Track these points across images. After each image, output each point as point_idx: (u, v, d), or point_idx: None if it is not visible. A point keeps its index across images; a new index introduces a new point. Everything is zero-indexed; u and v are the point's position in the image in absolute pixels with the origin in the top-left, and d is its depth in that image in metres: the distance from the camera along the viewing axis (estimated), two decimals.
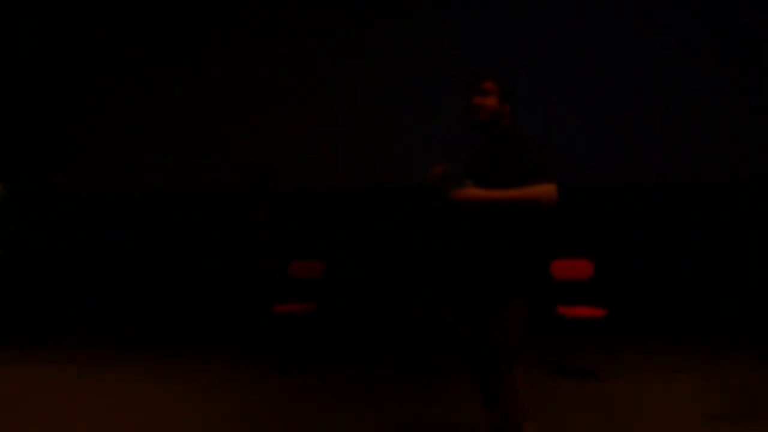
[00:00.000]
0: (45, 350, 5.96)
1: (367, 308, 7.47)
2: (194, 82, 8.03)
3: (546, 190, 2.68)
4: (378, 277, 7.46)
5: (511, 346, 2.81)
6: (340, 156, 7.57)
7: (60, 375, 5.09)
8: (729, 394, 4.23)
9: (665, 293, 6.86)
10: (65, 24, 8.30)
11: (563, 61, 7.15)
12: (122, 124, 8.32)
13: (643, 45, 7.14)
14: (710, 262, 6.85)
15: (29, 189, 8.09)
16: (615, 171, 7.10)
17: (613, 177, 7.08)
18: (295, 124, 7.66)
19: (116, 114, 8.36)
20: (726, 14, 6.97)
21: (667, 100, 7.01)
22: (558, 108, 7.10)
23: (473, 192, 2.75)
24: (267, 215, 5.74)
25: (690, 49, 7.01)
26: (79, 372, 5.19)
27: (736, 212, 6.92)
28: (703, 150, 6.93)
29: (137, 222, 8.12)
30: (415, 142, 7.30)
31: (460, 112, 2.94)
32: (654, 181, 7.05)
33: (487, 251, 2.88)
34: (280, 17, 7.90)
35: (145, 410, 4.22)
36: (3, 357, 5.73)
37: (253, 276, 5.70)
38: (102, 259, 8.05)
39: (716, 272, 6.81)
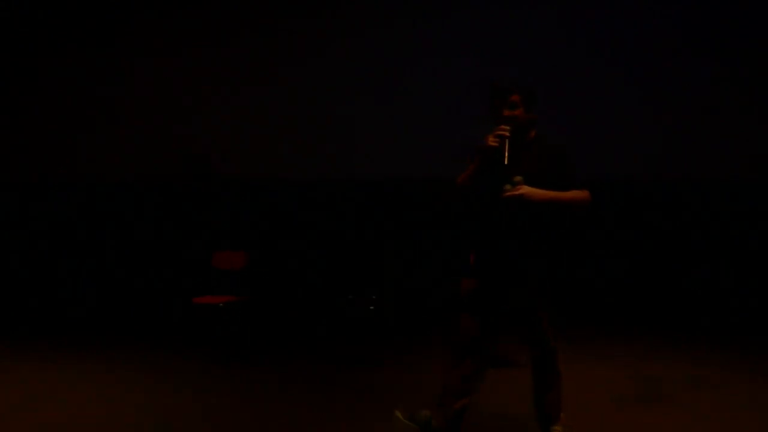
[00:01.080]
0: None
1: (289, 299, 7.43)
2: (130, 69, 7.70)
3: (585, 196, 2.99)
4: (301, 268, 7.43)
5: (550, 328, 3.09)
6: (267, 148, 7.48)
7: None
8: (637, 381, 4.44)
9: (585, 285, 7.11)
10: None
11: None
12: (50, 112, 7.92)
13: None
14: (628, 254, 7.14)
15: None
16: None
17: None
18: (228, 116, 7.46)
19: (45, 101, 7.94)
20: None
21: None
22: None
23: (533, 189, 2.91)
24: (192, 205, 5.61)
25: (637, 44, 7.16)
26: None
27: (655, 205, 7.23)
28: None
29: (61, 212, 7.74)
30: (342, 137, 7.30)
31: (492, 123, 3.04)
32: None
33: (525, 262, 3.04)
34: (222, 5, 7.65)
35: (72, 403, 4.08)
36: None
37: (176, 267, 5.56)
38: (26, 249, 7.64)
39: (626, 263, 7.12)
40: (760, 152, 6.86)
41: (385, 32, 7.29)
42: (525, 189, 2.91)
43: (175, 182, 6.82)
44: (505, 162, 2.92)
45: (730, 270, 6.84)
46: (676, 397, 4.12)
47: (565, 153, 3.06)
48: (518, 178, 2.93)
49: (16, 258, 7.56)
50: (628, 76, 7.18)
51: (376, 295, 5.54)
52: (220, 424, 3.75)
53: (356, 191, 7.34)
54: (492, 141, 2.97)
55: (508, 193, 2.91)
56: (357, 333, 5.90)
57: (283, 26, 7.50)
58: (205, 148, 6.62)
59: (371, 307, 5.26)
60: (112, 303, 7.22)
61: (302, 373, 4.78)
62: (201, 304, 5.19)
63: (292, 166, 7.45)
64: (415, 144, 7.09)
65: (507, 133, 2.96)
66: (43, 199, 7.69)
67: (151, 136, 7.60)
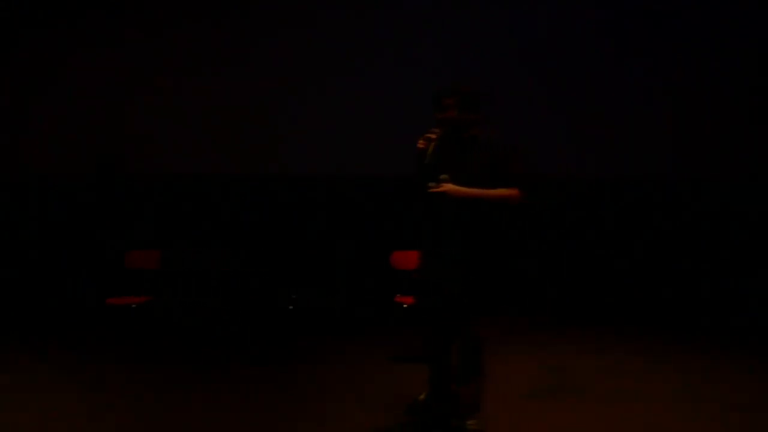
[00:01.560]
0: None
1: (205, 298, 7.31)
2: (41, 66, 7.35)
3: (513, 194, 3.11)
4: (217, 267, 7.33)
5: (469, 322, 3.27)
6: (183, 143, 7.33)
7: None
8: (546, 373, 4.63)
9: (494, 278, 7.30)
10: None
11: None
12: None
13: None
14: (532, 251, 7.39)
15: None
16: None
17: None
18: (144, 113, 7.25)
19: None
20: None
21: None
22: None
23: (455, 187, 3.07)
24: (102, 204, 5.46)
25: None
26: None
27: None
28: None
29: None
30: (261, 132, 7.24)
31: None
32: None
33: (460, 241, 3.17)
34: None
35: None
36: None
37: (89, 266, 5.39)
38: None
39: (536, 258, 7.35)
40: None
41: (314, 29, 7.29)
42: (446, 186, 3.07)
43: (91, 181, 6.56)
44: (425, 161, 3.11)
45: (639, 261, 7.17)
46: (583, 387, 4.30)
47: (503, 152, 3.17)
48: (444, 176, 3.08)
49: None
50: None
51: (296, 294, 5.53)
52: (134, 426, 3.67)
53: (278, 187, 7.31)
54: (420, 143, 3.16)
55: (432, 190, 3.07)
56: (276, 331, 5.88)
57: (209, 23, 7.36)
58: (126, 147, 6.40)
59: (290, 307, 5.26)
60: (21, 304, 6.91)
61: (219, 372, 4.73)
62: (115, 305, 5.06)
63: (213, 162, 7.34)
64: (337, 141, 7.13)
65: (433, 136, 3.14)
66: None
67: (65, 134, 7.33)
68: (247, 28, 7.34)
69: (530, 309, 6.81)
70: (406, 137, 3.61)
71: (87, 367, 4.80)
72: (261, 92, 7.15)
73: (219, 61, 7.28)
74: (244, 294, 6.64)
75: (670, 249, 7.14)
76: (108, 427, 3.67)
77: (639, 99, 7.29)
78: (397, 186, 3.56)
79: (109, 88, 7.23)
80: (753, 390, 4.30)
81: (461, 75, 6.83)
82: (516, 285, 6.93)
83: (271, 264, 6.81)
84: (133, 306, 5.01)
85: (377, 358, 4.95)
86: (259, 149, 7.24)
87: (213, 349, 5.39)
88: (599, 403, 4.01)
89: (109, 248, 5.68)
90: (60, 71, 7.25)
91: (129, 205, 6.86)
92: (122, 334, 5.50)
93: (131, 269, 5.44)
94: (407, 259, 5.26)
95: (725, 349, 5.35)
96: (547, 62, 7.26)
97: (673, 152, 7.26)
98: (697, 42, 7.26)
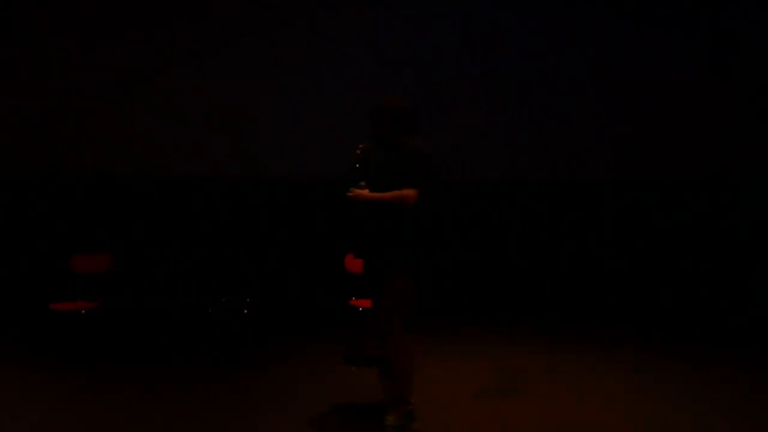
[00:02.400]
0: None
1: (156, 303, 7.19)
2: None
3: (407, 194, 3.50)
4: (168, 271, 7.21)
5: (394, 316, 3.57)
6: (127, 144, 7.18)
7: None
8: (499, 372, 4.74)
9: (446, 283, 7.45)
10: None
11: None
12: None
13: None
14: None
15: None
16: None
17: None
18: (84, 108, 7.06)
19: None
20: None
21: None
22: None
23: (361, 193, 3.59)
24: (45, 205, 5.30)
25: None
26: None
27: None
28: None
29: None
30: (210, 133, 7.16)
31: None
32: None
33: (372, 240, 3.64)
34: None
35: None
36: None
37: (30, 271, 5.22)
38: None
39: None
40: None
41: (278, 34, 7.27)
42: (354, 192, 3.59)
43: (33, 181, 6.35)
44: (354, 170, 3.64)
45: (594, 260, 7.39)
46: (532, 386, 4.44)
47: (410, 158, 3.57)
48: (361, 183, 3.61)
49: None
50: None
51: (250, 297, 5.47)
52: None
53: (239, 189, 7.25)
54: (357, 152, 3.70)
55: (348, 195, 3.60)
56: (231, 336, 5.81)
57: (177, 25, 7.23)
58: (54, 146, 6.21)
59: (245, 311, 5.21)
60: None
61: (172, 378, 4.67)
62: (59, 310, 4.92)
63: (167, 163, 7.23)
64: (301, 143, 7.13)
65: (358, 150, 3.69)
66: None
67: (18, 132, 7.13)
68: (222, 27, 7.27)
69: (484, 309, 6.94)
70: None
71: (30, 376, 4.66)
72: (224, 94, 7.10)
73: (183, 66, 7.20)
74: (196, 296, 6.55)
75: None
76: None
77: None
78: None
79: (72, 90, 7.06)
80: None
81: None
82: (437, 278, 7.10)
83: (225, 265, 6.73)
84: (83, 312, 4.88)
85: (330, 361, 4.97)
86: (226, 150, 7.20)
87: (165, 353, 5.30)
88: (543, 400, 4.16)
89: (54, 251, 5.50)
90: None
91: (76, 206, 6.68)
92: (70, 339, 5.35)
93: (79, 273, 5.27)
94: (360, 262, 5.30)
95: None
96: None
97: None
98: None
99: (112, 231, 6.82)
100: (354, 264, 5.24)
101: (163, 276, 6.83)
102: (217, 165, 7.16)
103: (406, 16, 7.38)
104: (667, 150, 7.59)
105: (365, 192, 3.59)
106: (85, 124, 6.95)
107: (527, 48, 7.55)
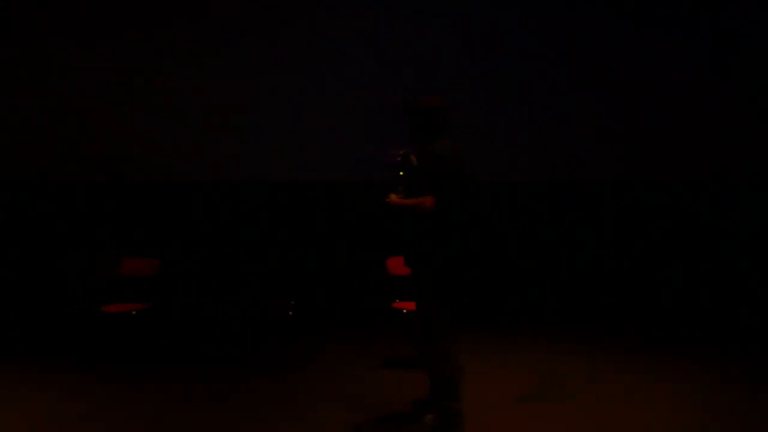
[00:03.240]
0: None
1: (204, 305, 7.33)
2: (40, 66, 7.31)
3: (424, 200, 3.55)
4: (215, 274, 7.35)
5: (441, 317, 3.63)
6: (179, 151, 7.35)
7: None
8: (540, 378, 4.73)
9: (489, 283, 7.45)
10: None
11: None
12: None
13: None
14: (529, 254, 7.52)
15: None
16: None
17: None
18: (145, 117, 7.24)
19: None
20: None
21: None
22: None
23: (393, 199, 3.71)
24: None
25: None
26: None
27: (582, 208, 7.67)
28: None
29: None
30: (252, 139, 7.27)
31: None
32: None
33: (410, 243, 3.72)
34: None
35: None
36: None
37: (81, 274, 5.37)
38: None
39: (534, 263, 7.49)
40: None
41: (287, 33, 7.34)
42: (390, 197, 3.71)
43: (83, 185, 6.51)
44: (398, 177, 3.76)
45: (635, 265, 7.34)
46: (573, 392, 4.42)
47: (433, 163, 3.61)
48: (399, 188, 3.72)
49: None
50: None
51: (294, 300, 5.56)
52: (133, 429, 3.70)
53: (279, 192, 7.37)
54: (397, 161, 3.80)
55: (386, 201, 3.74)
56: (275, 338, 5.90)
57: (177, 25, 7.36)
58: (117, 152, 6.37)
59: (290, 313, 5.29)
60: (14, 311, 6.88)
61: (219, 379, 4.77)
62: (110, 312, 5.06)
63: (204, 169, 7.39)
64: (334, 146, 7.20)
65: (398, 155, 3.76)
66: None
67: (58, 138, 7.33)
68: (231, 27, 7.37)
69: (526, 314, 6.93)
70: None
71: (82, 375, 4.82)
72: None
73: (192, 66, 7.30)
74: (244, 299, 6.66)
75: (666, 250, 7.32)
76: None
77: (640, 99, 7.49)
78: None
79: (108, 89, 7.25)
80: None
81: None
82: (474, 286, 7.11)
83: (271, 268, 6.82)
84: (133, 313, 5.01)
85: (372, 362, 5.03)
86: (252, 154, 7.30)
87: (212, 355, 5.42)
88: (584, 407, 4.11)
89: (104, 255, 5.66)
90: (52, 74, 7.22)
91: (126, 211, 6.84)
92: (120, 340, 5.50)
93: (127, 276, 5.41)
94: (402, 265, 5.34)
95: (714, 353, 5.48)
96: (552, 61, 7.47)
97: (672, 153, 7.49)
98: (696, 40, 7.49)
99: (158, 234, 6.99)
100: (397, 266, 5.28)
101: (208, 278, 6.96)
102: (256, 168, 7.27)
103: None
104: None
105: (394, 198, 3.73)
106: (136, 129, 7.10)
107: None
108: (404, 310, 4.98)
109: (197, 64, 7.27)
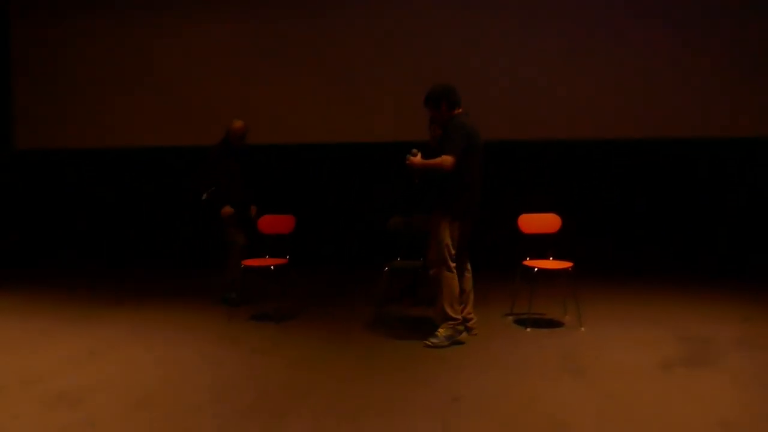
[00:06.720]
0: None
1: (337, 260, 7.58)
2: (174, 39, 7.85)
3: (444, 160, 4.33)
4: (346, 230, 7.56)
5: (437, 248, 4.47)
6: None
7: (30, 328, 5.06)
8: (684, 342, 4.48)
9: (630, 246, 7.15)
10: None
11: None
12: (90, 82, 8.16)
13: None
14: (678, 217, 7.12)
15: None
16: (586, 127, 7.23)
17: (585, 132, 7.23)
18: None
19: (85, 73, 8.19)
20: None
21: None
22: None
23: (414, 160, 4.44)
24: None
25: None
26: (49, 324, 5.18)
27: (701, 167, 7.18)
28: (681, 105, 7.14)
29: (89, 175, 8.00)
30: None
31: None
32: (620, 139, 7.22)
33: (424, 193, 4.79)
34: None
35: (125, 359, 4.30)
36: None
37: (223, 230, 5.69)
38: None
39: (686, 226, 7.11)
40: None
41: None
42: (410, 159, 4.43)
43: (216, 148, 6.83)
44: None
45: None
46: (721, 359, 4.14)
47: (447, 129, 4.44)
48: (414, 150, 4.45)
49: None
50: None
51: (422, 259, 5.58)
52: (273, 383, 3.88)
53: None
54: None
55: (406, 162, 4.44)
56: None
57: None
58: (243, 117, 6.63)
59: (419, 270, 5.35)
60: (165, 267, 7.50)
61: (356, 337, 4.92)
62: (250, 267, 5.31)
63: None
64: None
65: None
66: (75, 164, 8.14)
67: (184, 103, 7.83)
68: None
69: (673, 277, 6.60)
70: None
71: (227, 326, 5.15)
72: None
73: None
74: (366, 258, 6.78)
75: None
76: (246, 384, 3.90)
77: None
78: None
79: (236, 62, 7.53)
80: None
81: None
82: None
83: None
84: (271, 268, 5.24)
85: (506, 319, 4.96)
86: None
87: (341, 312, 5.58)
88: (734, 375, 3.85)
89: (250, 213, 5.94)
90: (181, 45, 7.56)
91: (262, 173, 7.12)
92: (258, 294, 5.82)
93: (264, 233, 5.63)
94: (540, 222, 5.21)
95: None
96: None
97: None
98: None
99: (292, 194, 7.23)
100: (529, 224, 5.17)
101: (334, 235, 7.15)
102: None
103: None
104: None
105: (417, 159, 4.42)
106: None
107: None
108: (535, 269, 4.87)
109: None
